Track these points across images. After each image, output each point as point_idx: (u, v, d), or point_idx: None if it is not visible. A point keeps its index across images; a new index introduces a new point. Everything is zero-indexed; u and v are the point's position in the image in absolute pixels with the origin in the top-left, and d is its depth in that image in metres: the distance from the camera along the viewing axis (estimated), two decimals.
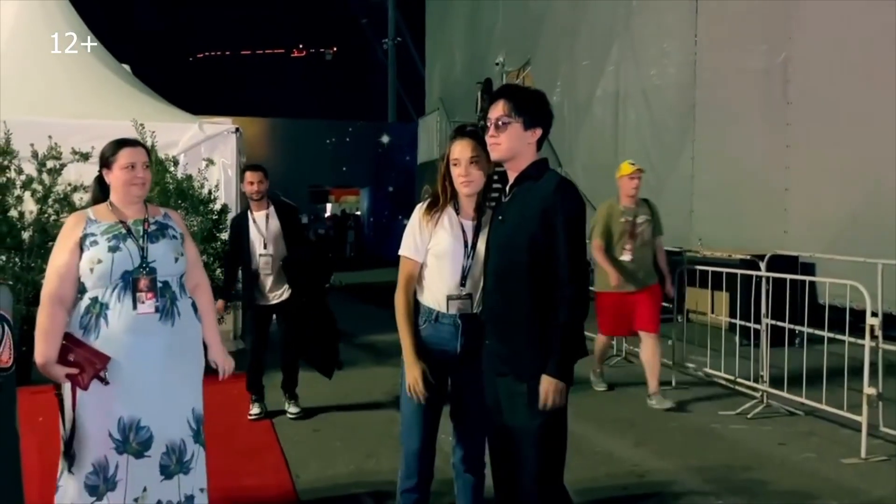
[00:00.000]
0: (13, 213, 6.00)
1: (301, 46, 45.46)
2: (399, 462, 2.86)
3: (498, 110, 2.54)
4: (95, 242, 2.64)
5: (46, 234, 5.98)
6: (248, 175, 5.23)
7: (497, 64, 17.15)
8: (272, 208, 5.25)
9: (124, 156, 2.73)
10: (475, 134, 2.80)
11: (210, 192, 6.87)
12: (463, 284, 2.75)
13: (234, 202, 7.51)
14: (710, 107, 10.74)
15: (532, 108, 2.55)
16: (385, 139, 23.66)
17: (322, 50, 42.89)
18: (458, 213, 2.79)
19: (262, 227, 5.19)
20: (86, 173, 6.12)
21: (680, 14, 11.29)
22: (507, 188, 2.63)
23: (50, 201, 6.08)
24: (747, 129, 9.95)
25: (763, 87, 9.78)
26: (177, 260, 2.74)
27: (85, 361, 2.55)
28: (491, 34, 18.33)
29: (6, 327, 1.65)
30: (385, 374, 6.66)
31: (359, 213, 25.46)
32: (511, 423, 2.51)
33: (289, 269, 5.08)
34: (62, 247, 2.66)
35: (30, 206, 6.07)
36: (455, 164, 2.74)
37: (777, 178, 9.44)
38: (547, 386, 2.40)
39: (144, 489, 2.63)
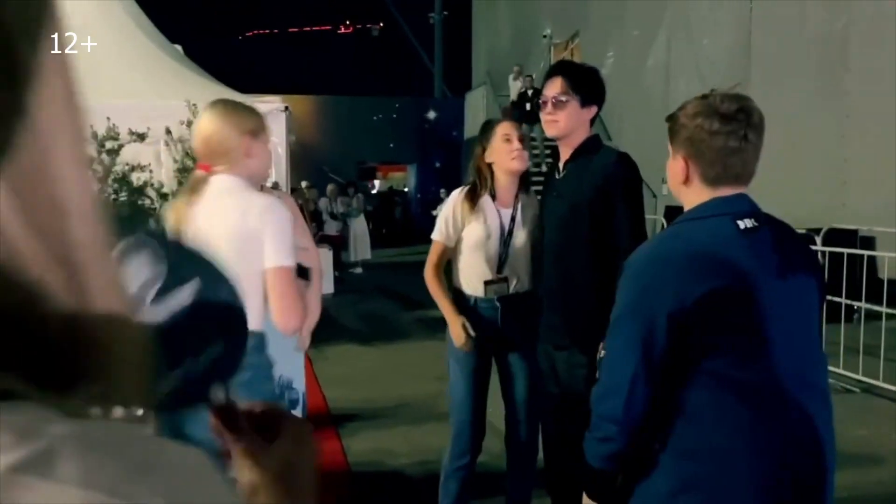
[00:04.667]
0: None
1: (348, 23, 45.54)
2: (447, 440, 2.92)
3: (555, 88, 2.56)
4: None
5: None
6: None
7: (544, 36, 16.95)
8: None
9: None
10: (515, 117, 2.87)
11: None
12: (500, 271, 2.79)
13: (284, 180, 7.64)
14: (764, 76, 10.43)
15: (588, 86, 2.60)
16: (431, 115, 23.63)
17: (369, 26, 42.89)
18: (494, 200, 2.80)
19: None
20: (141, 153, 6.30)
21: None
22: (562, 164, 2.65)
23: (109, 181, 6.28)
24: (804, 98, 9.64)
25: (821, 55, 9.46)
26: None
27: None
28: (538, 6, 18.07)
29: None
30: (434, 348, 6.72)
31: (406, 189, 25.55)
32: (571, 395, 2.55)
33: None
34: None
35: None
36: (507, 140, 2.76)
37: (835, 149, 9.15)
38: None
39: None
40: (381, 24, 41.75)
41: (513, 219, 2.79)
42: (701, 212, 1.61)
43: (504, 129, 2.78)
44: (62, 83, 0.34)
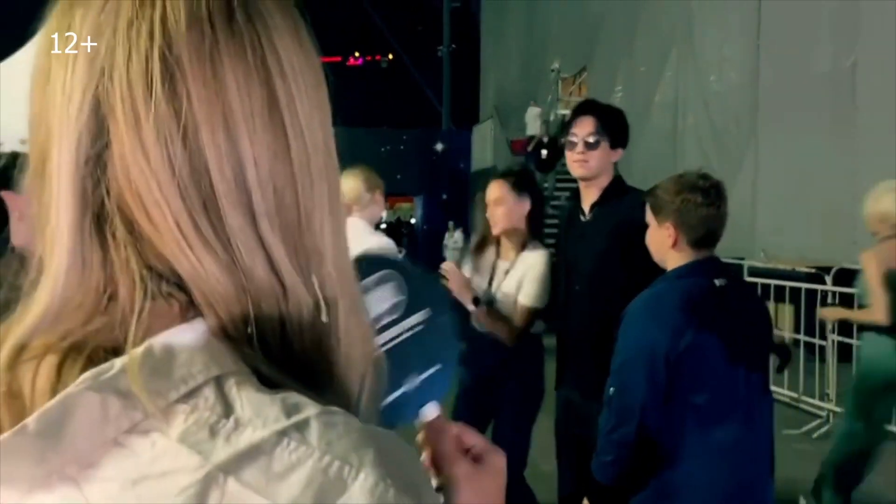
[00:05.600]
0: None
1: (357, 54, 46.08)
2: None
3: (587, 127, 2.55)
4: None
5: None
6: None
7: (552, 70, 17.05)
8: None
9: None
10: (508, 174, 2.92)
11: None
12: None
13: None
14: (773, 112, 10.44)
15: (617, 128, 2.60)
16: (439, 147, 23.74)
17: (378, 58, 43.36)
18: (498, 255, 2.84)
19: None
20: None
21: (742, 17, 11.02)
22: (587, 207, 2.62)
23: None
24: (813, 135, 9.62)
25: (830, 92, 9.45)
26: None
27: None
28: (546, 40, 18.22)
29: None
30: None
31: (413, 220, 25.59)
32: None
33: None
34: None
35: None
36: (487, 205, 2.88)
37: (844, 187, 9.08)
38: None
39: None
40: (391, 56, 42.25)
41: (506, 272, 2.83)
42: (685, 271, 2.03)
43: (489, 192, 2.85)
44: (326, 154, 0.51)
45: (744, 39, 11.04)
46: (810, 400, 5.53)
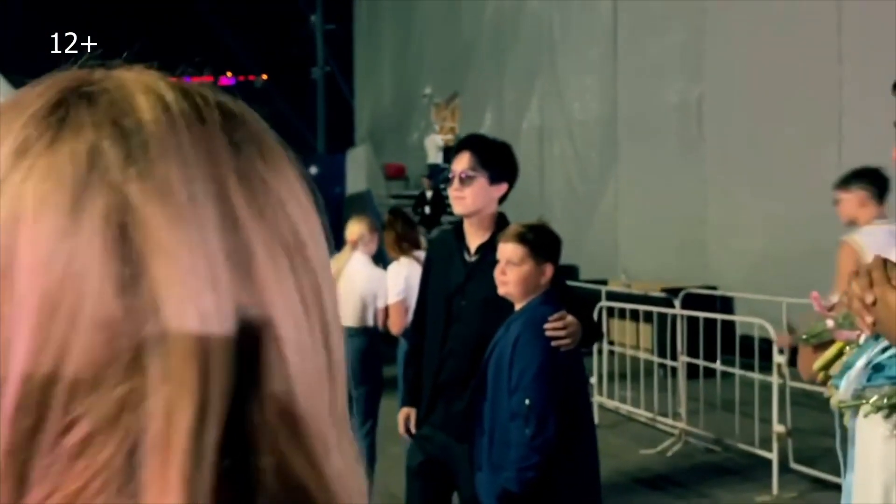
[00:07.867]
0: None
1: (229, 74, 44.90)
2: None
3: (463, 163, 2.48)
4: None
5: None
6: None
7: (424, 96, 17.27)
8: None
9: None
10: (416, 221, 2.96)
11: None
12: None
13: None
14: (631, 141, 11.01)
15: (498, 162, 2.52)
16: (314, 170, 23.46)
17: (252, 78, 42.39)
18: None
19: None
20: None
21: (600, 50, 11.58)
22: (473, 245, 2.53)
23: None
24: (666, 163, 10.21)
25: (680, 124, 10.08)
26: None
27: None
28: (419, 66, 18.45)
29: None
30: None
31: None
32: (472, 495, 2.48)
33: None
34: None
35: None
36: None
37: (695, 212, 9.70)
38: None
39: None
40: (265, 77, 41.44)
41: None
42: (546, 299, 2.34)
43: None
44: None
45: (603, 71, 11.60)
46: (664, 419, 5.79)
